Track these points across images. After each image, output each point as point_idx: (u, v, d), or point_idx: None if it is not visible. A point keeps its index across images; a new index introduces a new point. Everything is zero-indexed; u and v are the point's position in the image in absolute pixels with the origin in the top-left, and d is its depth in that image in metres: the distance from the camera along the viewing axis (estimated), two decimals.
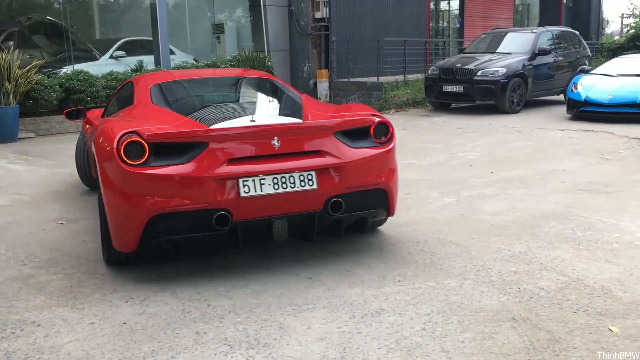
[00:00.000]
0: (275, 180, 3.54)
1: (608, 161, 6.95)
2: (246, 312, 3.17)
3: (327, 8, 13.96)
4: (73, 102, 10.06)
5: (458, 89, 11.79)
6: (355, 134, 3.86)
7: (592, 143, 8.18)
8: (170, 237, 3.51)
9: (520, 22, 23.89)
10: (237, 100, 4.87)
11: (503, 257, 3.88)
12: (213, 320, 3.07)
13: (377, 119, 3.93)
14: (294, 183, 3.58)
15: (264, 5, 13.89)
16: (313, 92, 13.69)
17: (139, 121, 3.83)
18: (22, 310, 3.24)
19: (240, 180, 3.47)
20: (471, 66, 11.76)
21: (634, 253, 3.89)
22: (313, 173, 3.62)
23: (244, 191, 3.46)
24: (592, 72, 11.47)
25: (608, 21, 40.40)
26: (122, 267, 3.82)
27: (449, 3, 21.59)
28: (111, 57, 12.29)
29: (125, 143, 3.39)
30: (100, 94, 10.26)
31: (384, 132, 3.95)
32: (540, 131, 9.35)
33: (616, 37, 27.32)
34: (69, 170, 6.88)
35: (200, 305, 3.26)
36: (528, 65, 12.04)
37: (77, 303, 3.33)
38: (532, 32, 13.12)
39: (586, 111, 10.37)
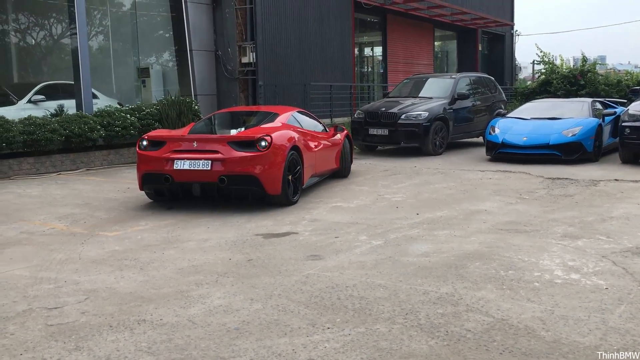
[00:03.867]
0: (190, 163, 6.67)
1: (526, 201, 7.25)
2: None
3: (254, 53, 14.09)
4: None
5: (383, 132, 12.07)
6: (246, 143, 6.72)
7: (510, 183, 8.52)
8: (150, 184, 7.05)
9: (440, 67, 25.01)
10: (243, 123, 8.46)
11: (430, 299, 3.91)
12: None
13: (258, 136, 6.69)
14: (199, 165, 6.65)
15: (191, 50, 13.87)
16: None
17: (167, 131, 8.07)
18: None
19: (174, 160, 6.73)
20: (395, 110, 12.09)
21: (553, 291, 4.02)
22: (209, 162, 6.64)
23: (175, 166, 6.71)
24: (507, 115, 12.07)
25: (521, 67, 43.01)
26: (32, 324, 3.56)
27: (372, 49, 22.36)
28: (29, 101, 11.83)
29: (138, 140, 7.14)
30: (17, 139, 9.56)
31: (265, 144, 6.65)
32: (462, 172, 9.68)
33: (528, 82, 29.03)
34: None
35: None
36: (448, 109, 12.52)
37: None
38: (451, 77, 13.71)
39: (504, 153, 10.86)
